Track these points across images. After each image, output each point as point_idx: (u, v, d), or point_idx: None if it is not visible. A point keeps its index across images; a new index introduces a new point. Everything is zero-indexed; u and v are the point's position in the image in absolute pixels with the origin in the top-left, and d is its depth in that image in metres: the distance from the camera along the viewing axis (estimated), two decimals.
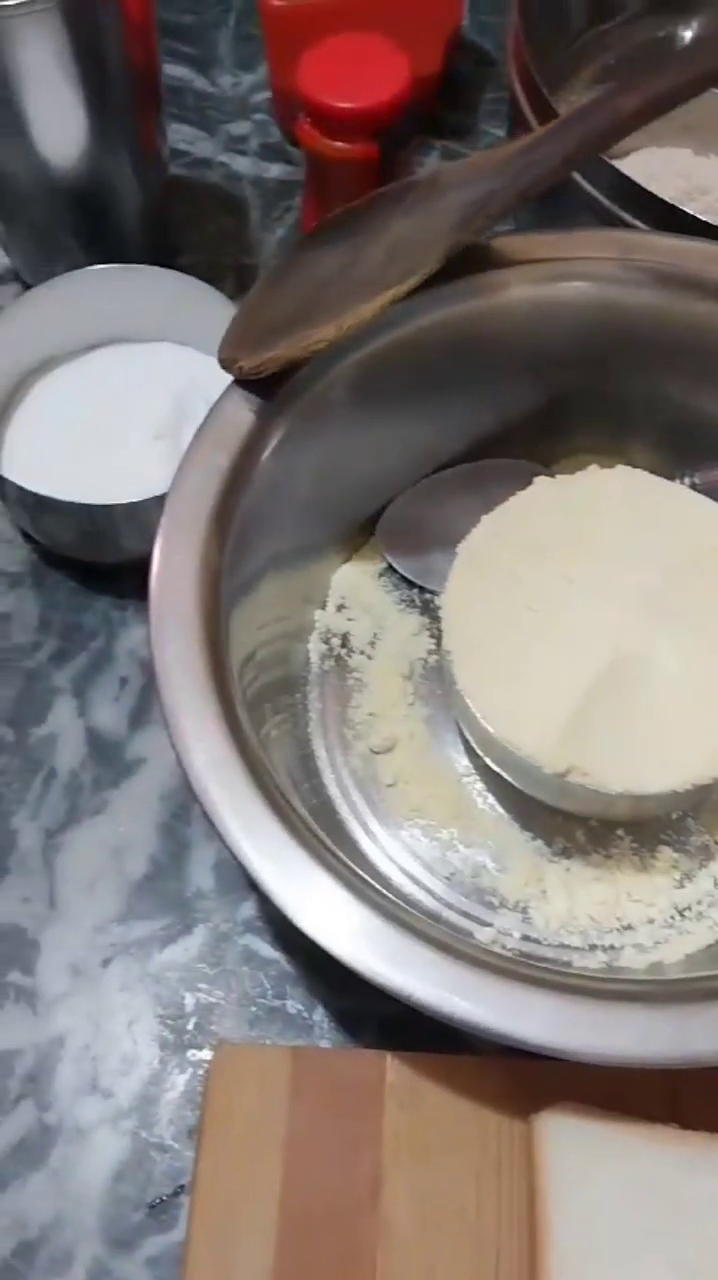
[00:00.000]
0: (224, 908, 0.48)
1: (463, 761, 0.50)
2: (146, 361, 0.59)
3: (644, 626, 0.45)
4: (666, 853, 0.48)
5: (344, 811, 0.49)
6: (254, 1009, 0.47)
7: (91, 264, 0.61)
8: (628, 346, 0.51)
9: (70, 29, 0.49)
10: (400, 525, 0.55)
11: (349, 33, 0.58)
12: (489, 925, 0.46)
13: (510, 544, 0.47)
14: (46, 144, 0.55)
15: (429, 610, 0.54)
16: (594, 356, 0.52)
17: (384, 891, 0.43)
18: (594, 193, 0.55)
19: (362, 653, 0.53)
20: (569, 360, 0.52)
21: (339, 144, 0.58)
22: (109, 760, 0.51)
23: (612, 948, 0.46)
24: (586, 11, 0.70)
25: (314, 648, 0.53)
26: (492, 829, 0.49)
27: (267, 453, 0.46)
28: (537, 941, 0.46)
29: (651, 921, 0.47)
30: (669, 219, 0.52)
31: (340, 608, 0.54)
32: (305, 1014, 0.47)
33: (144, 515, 0.50)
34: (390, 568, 0.55)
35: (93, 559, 0.55)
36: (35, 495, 0.50)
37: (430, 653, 0.53)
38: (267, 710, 0.47)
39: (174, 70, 0.73)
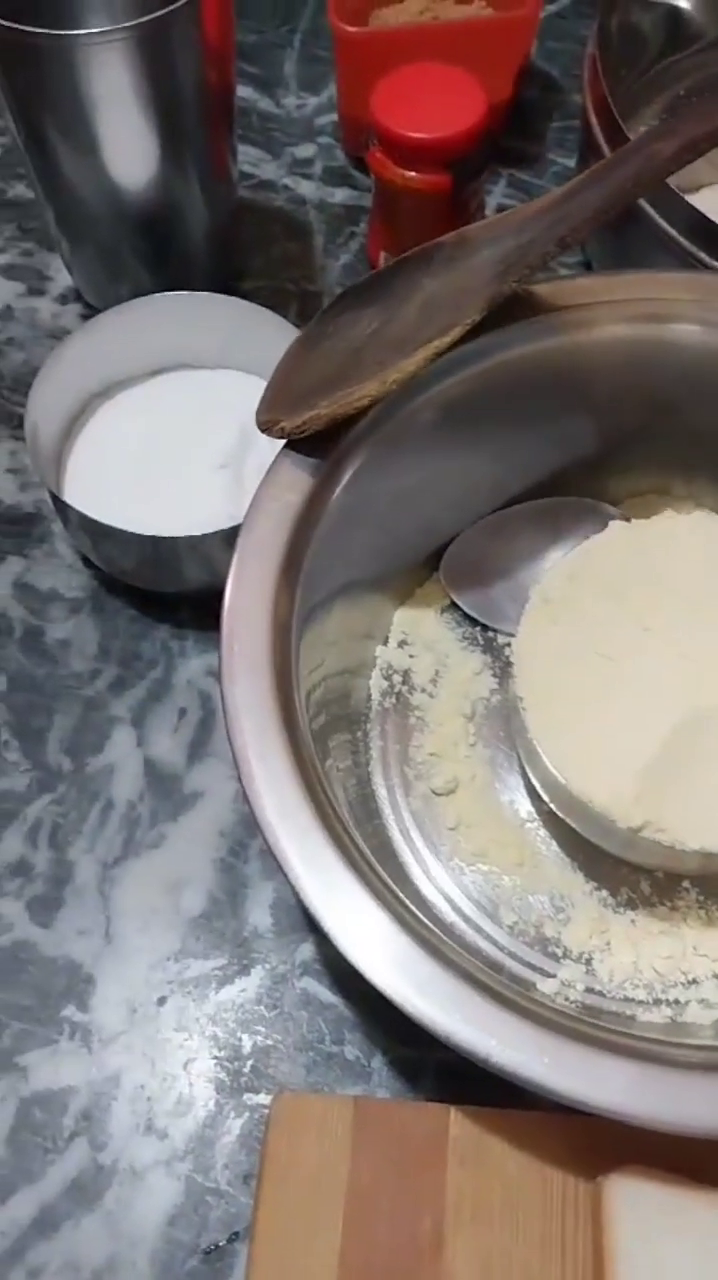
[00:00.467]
0: (282, 949, 0.48)
1: (526, 806, 0.49)
2: (211, 388, 0.58)
3: None
4: None
5: (405, 854, 0.49)
6: (312, 1054, 0.46)
7: (156, 286, 0.60)
8: (702, 390, 0.51)
9: (147, 57, 0.49)
10: (464, 562, 0.54)
11: (423, 61, 0.58)
12: (553, 976, 0.46)
13: (586, 588, 0.46)
14: (117, 167, 0.54)
15: (492, 649, 0.53)
16: (670, 397, 0.51)
17: (449, 941, 0.42)
18: (669, 229, 0.55)
19: (423, 690, 0.52)
20: (644, 400, 0.51)
21: (411, 173, 0.57)
22: (167, 793, 0.51)
23: (677, 1002, 0.45)
24: (660, 42, 0.69)
25: (375, 684, 0.52)
26: (556, 877, 0.48)
27: (338, 490, 0.45)
28: (601, 994, 0.45)
29: (717, 976, 0.46)
30: None
31: (402, 644, 0.53)
32: (364, 1061, 0.46)
33: (207, 548, 0.50)
34: (453, 604, 0.54)
35: (153, 588, 0.54)
36: (98, 523, 0.50)
37: (493, 692, 0.52)
38: (329, 746, 0.47)
39: (239, 90, 0.72)
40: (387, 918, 0.36)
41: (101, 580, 0.56)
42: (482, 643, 0.54)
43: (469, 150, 0.57)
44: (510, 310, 0.47)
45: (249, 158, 0.70)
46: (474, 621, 0.54)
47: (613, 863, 0.47)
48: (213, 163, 0.58)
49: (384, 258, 0.63)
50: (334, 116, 0.71)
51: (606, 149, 0.57)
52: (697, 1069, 0.35)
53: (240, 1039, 0.46)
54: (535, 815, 0.49)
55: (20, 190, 0.69)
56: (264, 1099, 0.45)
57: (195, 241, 0.60)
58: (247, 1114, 0.45)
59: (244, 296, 0.62)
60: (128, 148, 0.53)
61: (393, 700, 0.52)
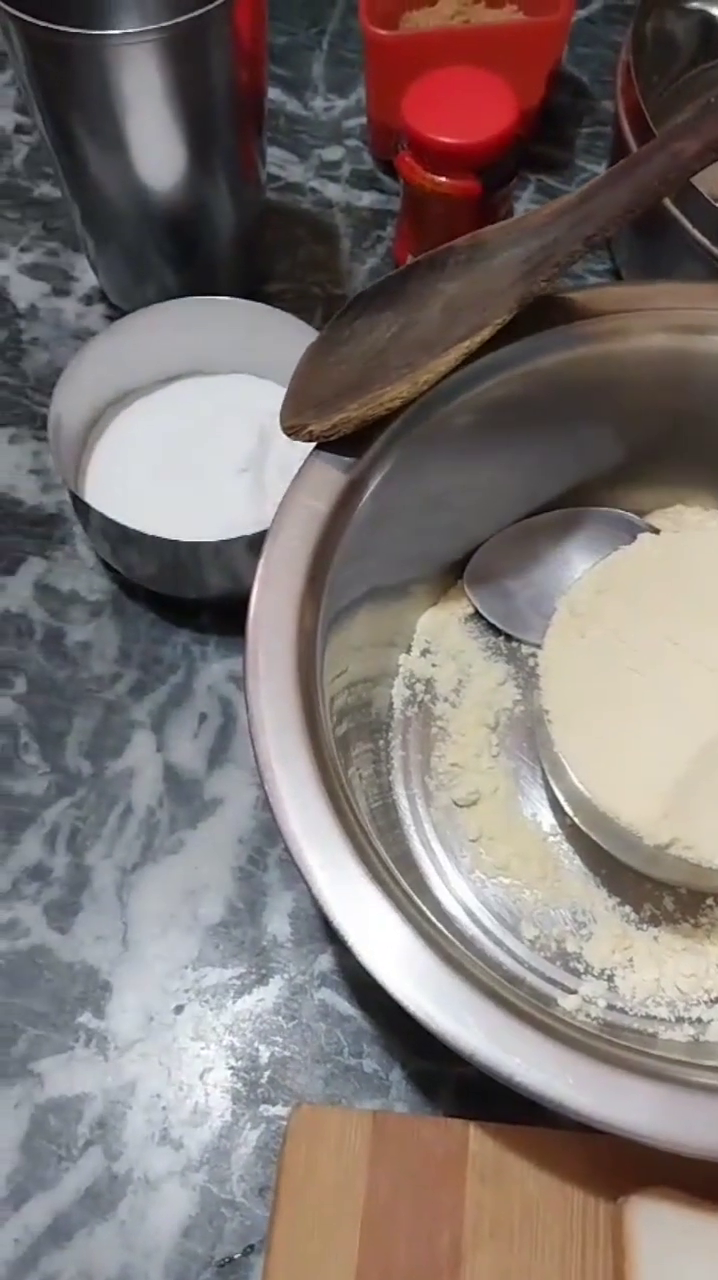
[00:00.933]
0: (300, 959, 0.47)
1: (549, 819, 0.49)
2: (232, 393, 0.58)
3: None
4: None
5: (425, 865, 0.48)
6: (330, 1066, 0.46)
7: (180, 288, 0.60)
8: None
9: (180, 58, 0.49)
10: (489, 571, 0.54)
11: (454, 65, 0.57)
12: (574, 993, 0.45)
13: (614, 602, 0.46)
14: (145, 167, 0.54)
15: (516, 659, 0.53)
16: (701, 408, 0.51)
17: (471, 955, 0.42)
18: (700, 237, 0.54)
19: (446, 700, 0.52)
20: (675, 411, 0.51)
21: (441, 179, 0.57)
22: (187, 799, 0.50)
23: (699, 1021, 0.45)
24: (692, 49, 0.69)
25: (398, 693, 0.52)
26: (578, 892, 0.47)
27: (365, 496, 0.45)
28: (622, 1011, 0.45)
29: None
30: None
31: (425, 652, 0.53)
32: (382, 1074, 0.46)
33: (230, 553, 0.50)
34: (477, 613, 0.54)
35: (174, 593, 0.54)
36: (119, 526, 0.50)
37: (517, 703, 0.52)
38: (351, 755, 0.46)
39: (270, 92, 0.72)
40: (410, 931, 0.36)
41: (122, 583, 0.55)
42: (505, 652, 0.53)
43: (499, 156, 0.56)
44: (544, 317, 0.47)
45: (276, 160, 0.69)
46: (498, 631, 0.54)
47: (636, 878, 0.47)
48: (241, 165, 0.57)
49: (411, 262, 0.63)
50: (362, 119, 0.71)
51: None
52: None
53: (258, 1049, 0.46)
54: (558, 829, 0.49)
55: (46, 189, 0.68)
56: (281, 1111, 0.45)
57: (221, 244, 0.60)
58: (263, 1125, 0.45)
59: (269, 299, 0.62)
60: (156, 148, 0.53)
61: (415, 709, 0.52)
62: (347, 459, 0.45)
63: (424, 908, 0.42)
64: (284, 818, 0.37)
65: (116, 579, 0.56)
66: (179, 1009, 0.47)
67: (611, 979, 0.46)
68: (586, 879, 0.48)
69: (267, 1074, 0.46)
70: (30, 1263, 0.43)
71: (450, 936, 0.42)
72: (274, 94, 0.72)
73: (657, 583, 0.46)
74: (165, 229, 0.58)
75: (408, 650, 0.53)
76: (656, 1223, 0.38)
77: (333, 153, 0.70)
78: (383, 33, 0.62)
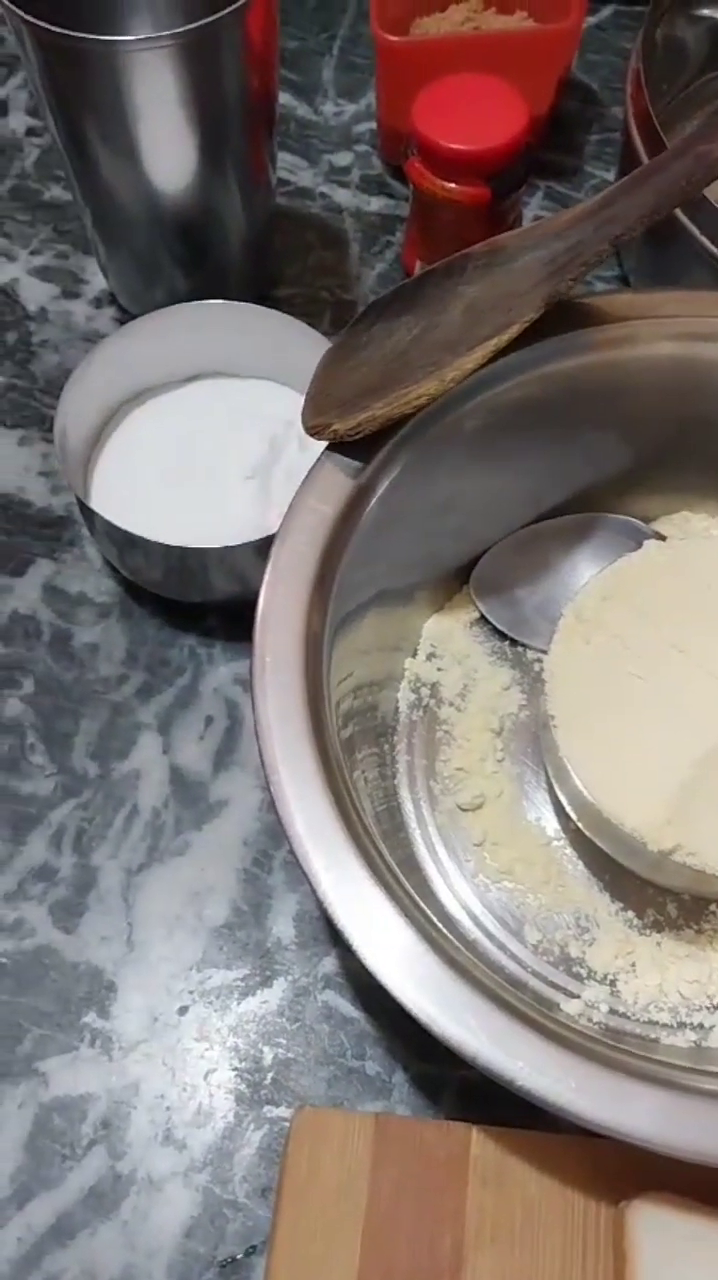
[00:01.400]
0: (304, 961, 0.48)
1: (553, 824, 0.49)
2: (244, 398, 0.58)
3: None
4: None
5: (429, 868, 0.48)
6: (333, 1068, 0.46)
7: (190, 292, 0.60)
8: None
9: (192, 63, 0.49)
10: (495, 576, 0.54)
11: (465, 72, 0.57)
12: (577, 997, 0.45)
13: (619, 608, 0.46)
14: (156, 172, 0.54)
15: (521, 664, 0.53)
16: (709, 416, 0.51)
17: (474, 959, 0.42)
18: (709, 245, 0.54)
19: (451, 704, 0.52)
20: (685, 418, 0.51)
21: (450, 185, 0.57)
22: (192, 801, 0.51)
23: (701, 1026, 0.45)
24: (702, 57, 0.69)
25: (404, 697, 0.52)
26: (582, 897, 0.48)
27: (373, 501, 0.45)
28: (624, 1016, 0.45)
29: None
30: None
31: (431, 656, 0.53)
32: (385, 1076, 0.46)
33: (235, 559, 0.50)
34: (483, 618, 0.54)
35: (179, 597, 0.54)
36: (124, 532, 0.50)
37: (522, 708, 0.52)
38: (356, 758, 0.46)
39: (281, 97, 0.72)
40: (413, 934, 0.36)
41: (130, 585, 0.56)
42: (510, 657, 0.54)
43: (509, 163, 0.56)
44: (553, 324, 0.47)
45: (286, 164, 0.70)
46: (503, 636, 0.54)
47: (640, 884, 0.47)
48: (252, 170, 0.57)
49: (419, 267, 0.63)
50: (372, 124, 0.71)
51: (647, 162, 0.57)
52: None
53: (261, 1051, 0.46)
54: (562, 834, 0.49)
55: (57, 192, 0.68)
56: (284, 1112, 0.45)
57: (231, 248, 0.60)
58: (266, 1126, 0.45)
59: (279, 304, 0.63)
60: (168, 153, 0.53)
61: (421, 713, 0.52)
62: (355, 463, 0.45)
63: (428, 911, 0.43)
64: (289, 820, 0.38)
65: (124, 581, 0.56)
66: (183, 1010, 0.47)
67: (613, 984, 0.46)
68: (589, 884, 0.48)
69: (270, 1075, 0.46)
70: (33, 1261, 0.43)
71: (454, 940, 0.42)
72: (285, 99, 0.72)
73: (662, 590, 0.46)
74: (176, 233, 0.58)
75: (414, 654, 0.53)
76: (657, 1227, 0.38)
77: (343, 158, 0.70)
78: (394, 39, 0.62)
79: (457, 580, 0.55)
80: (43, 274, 0.66)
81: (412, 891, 0.42)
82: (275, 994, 0.47)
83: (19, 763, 0.52)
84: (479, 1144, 0.41)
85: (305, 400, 0.46)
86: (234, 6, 0.48)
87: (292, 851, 0.37)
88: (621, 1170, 0.40)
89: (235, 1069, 0.46)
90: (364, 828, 0.39)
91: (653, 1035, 0.45)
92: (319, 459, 0.45)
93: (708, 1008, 0.45)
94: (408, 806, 0.50)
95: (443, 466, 0.48)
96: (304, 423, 0.45)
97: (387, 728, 0.51)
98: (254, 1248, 0.43)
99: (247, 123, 0.55)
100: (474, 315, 0.45)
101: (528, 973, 0.46)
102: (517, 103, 0.56)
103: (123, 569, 0.54)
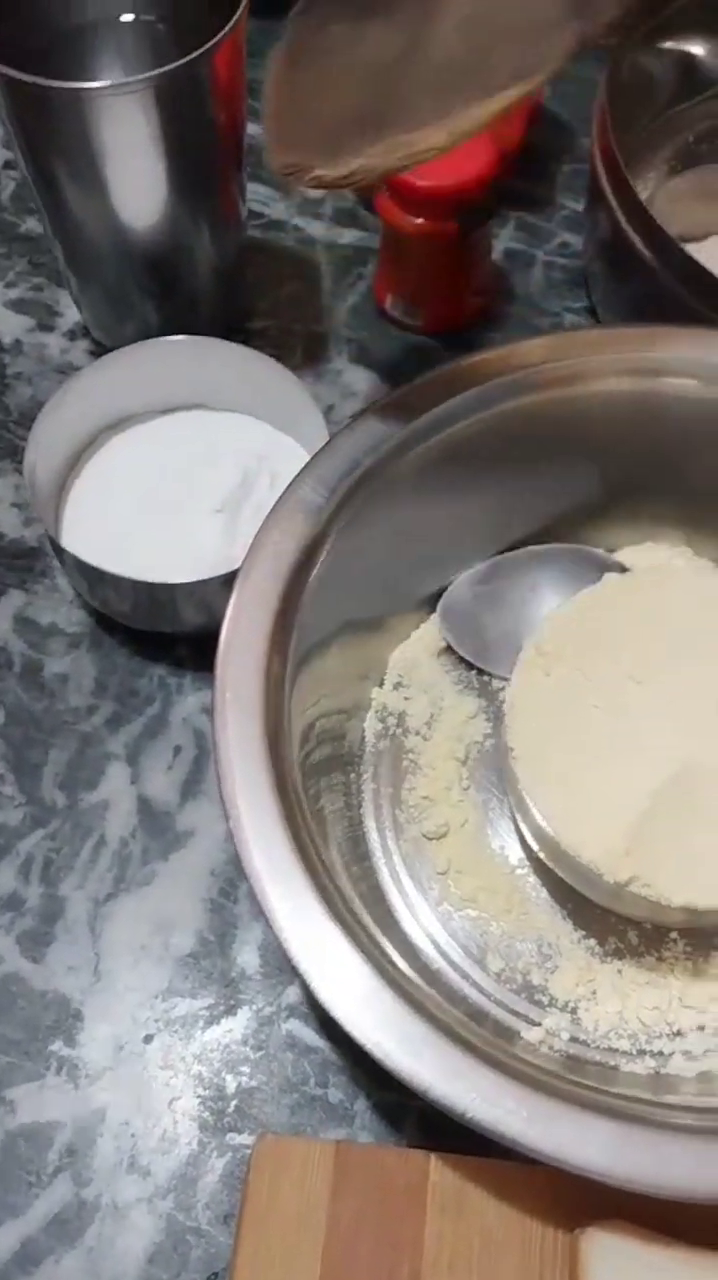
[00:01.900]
0: (269, 990, 0.48)
1: (517, 852, 0.50)
2: (218, 431, 0.59)
3: (712, 733, 0.44)
4: None
5: (394, 897, 0.49)
6: (296, 1095, 0.46)
7: (163, 325, 0.61)
8: (702, 441, 0.51)
9: (160, 106, 0.49)
10: (461, 605, 0.55)
11: None
12: (538, 1025, 0.46)
13: (579, 640, 0.47)
14: (126, 210, 0.55)
15: (487, 693, 0.54)
16: (663, 449, 0.52)
17: (433, 991, 0.42)
18: (672, 282, 0.55)
19: (417, 733, 0.53)
20: (638, 451, 0.52)
21: (419, 220, 0.58)
22: (159, 830, 0.51)
23: (660, 1054, 0.46)
24: (671, 89, 0.70)
25: (370, 726, 0.53)
26: (544, 925, 0.48)
27: (335, 536, 0.46)
28: (585, 1044, 0.46)
29: (701, 1028, 0.46)
30: None
31: (398, 685, 0.54)
32: (347, 1104, 0.46)
33: (203, 592, 0.51)
34: (449, 647, 0.55)
35: (149, 628, 0.55)
36: (93, 568, 0.50)
37: (487, 737, 0.53)
38: (321, 786, 0.47)
39: (252, 128, 0.72)
40: (369, 971, 0.37)
41: (100, 616, 0.56)
42: (477, 686, 0.54)
43: (477, 199, 0.57)
44: (508, 362, 0.48)
45: (259, 196, 0.70)
46: (469, 665, 0.54)
47: (602, 911, 0.48)
48: (222, 205, 0.58)
49: (391, 301, 0.64)
50: None
51: (612, 199, 0.58)
52: (676, 1131, 0.36)
53: (225, 1079, 0.47)
54: (526, 862, 0.50)
55: (32, 225, 0.69)
56: (247, 1139, 0.46)
57: (203, 281, 0.61)
58: (229, 1154, 0.45)
59: (251, 336, 0.63)
60: (137, 191, 0.54)
61: (387, 742, 0.53)
62: (317, 500, 0.46)
63: (389, 942, 0.43)
64: (248, 857, 0.38)
65: (94, 611, 0.56)
66: (149, 1038, 0.48)
67: (574, 1011, 0.46)
68: (552, 911, 0.49)
69: (233, 1103, 0.46)
70: None
71: (414, 974, 0.43)
72: (257, 130, 0.73)
73: (620, 622, 0.47)
74: (147, 267, 0.58)
75: (381, 684, 0.54)
76: (611, 1254, 0.39)
77: (315, 190, 0.71)
78: None
79: (424, 609, 0.55)
80: (18, 306, 0.66)
81: (369, 925, 0.42)
82: (239, 1023, 0.48)
83: None
84: (438, 1171, 0.41)
85: (266, 123, 0.39)
86: (201, 50, 0.49)
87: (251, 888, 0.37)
88: (577, 1198, 0.40)
89: (199, 1096, 0.46)
90: (323, 863, 0.40)
91: (613, 1063, 0.45)
92: (282, 496, 0.46)
93: (667, 1035, 0.46)
94: (373, 836, 0.50)
95: (406, 500, 0.49)
96: (271, 161, 0.38)
97: (353, 756, 0.52)
98: (216, 1274, 0.43)
99: (216, 159, 0.56)
100: (477, 38, 0.37)
101: (491, 1001, 0.47)
102: (484, 139, 0.57)
103: (92, 601, 0.55)
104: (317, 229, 0.69)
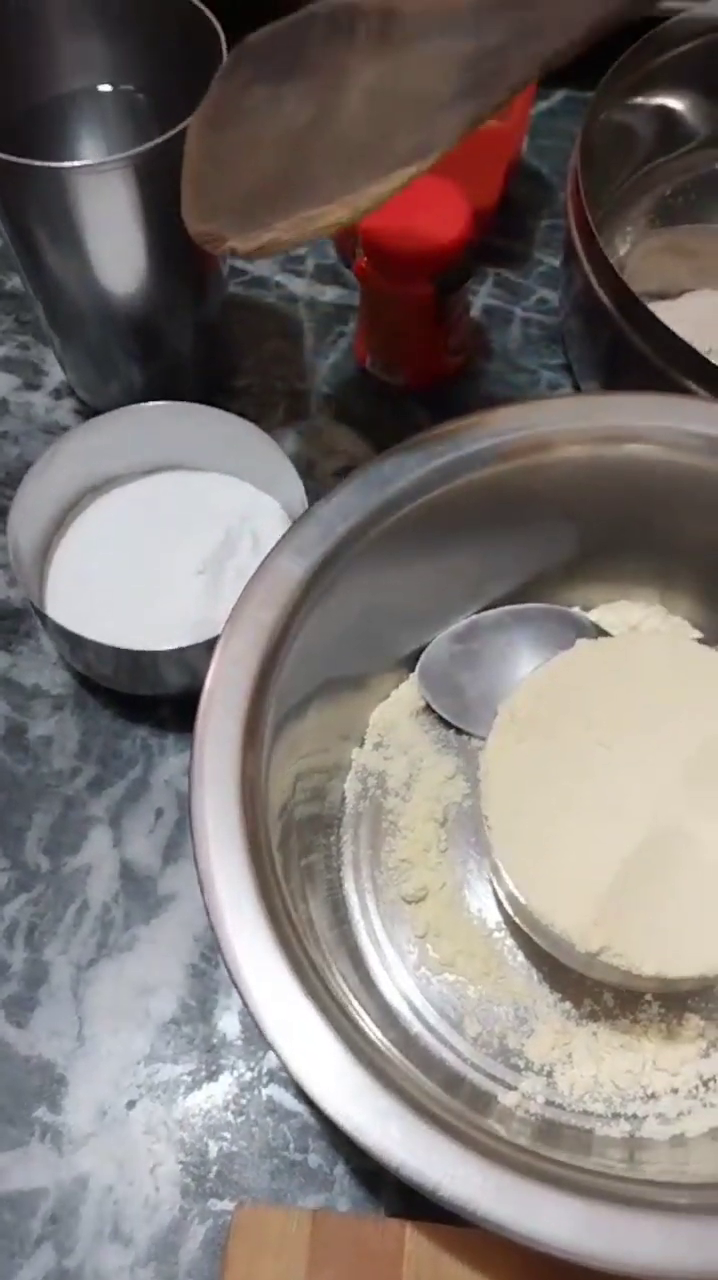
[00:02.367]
0: (249, 1056, 0.49)
1: (494, 916, 0.50)
2: (200, 492, 0.59)
3: (682, 800, 0.45)
4: (693, 1020, 0.47)
5: (372, 961, 0.49)
6: (276, 1161, 0.47)
7: (147, 384, 0.62)
8: (672, 502, 0.52)
9: (140, 181, 0.50)
10: (439, 665, 0.56)
11: None
12: (514, 1089, 0.46)
13: (552, 707, 0.47)
14: (107, 275, 0.55)
15: (465, 752, 0.54)
16: (637, 511, 0.53)
17: (408, 1062, 0.43)
18: (641, 344, 0.56)
19: (397, 794, 0.53)
20: (612, 513, 0.53)
21: (395, 284, 0.59)
22: (141, 894, 0.52)
23: (635, 1117, 0.46)
24: (651, 143, 0.71)
25: (351, 787, 0.53)
26: (520, 988, 0.49)
27: (313, 605, 0.46)
28: (560, 1108, 0.46)
29: (674, 1091, 0.47)
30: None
31: (378, 745, 0.55)
32: (327, 1169, 0.47)
33: (185, 657, 0.51)
34: (428, 707, 0.55)
35: (131, 691, 0.56)
36: (74, 634, 0.51)
37: (466, 797, 0.53)
38: (302, 848, 0.48)
39: None
40: (342, 1049, 0.37)
41: (83, 677, 0.57)
42: (455, 745, 0.55)
43: (453, 263, 0.58)
44: (481, 430, 0.49)
45: None
46: (448, 724, 0.55)
47: (577, 975, 0.48)
48: (202, 267, 0.59)
49: (371, 361, 0.65)
50: None
51: (586, 264, 0.58)
52: (644, 1208, 0.36)
53: (207, 1144, 0.47)
54: (503, 925, 0.50)
55: (18, 283, 0.70)
56: (228, 1205, 0.46)
57: (186, 342, 0.62)
58: (210, 1220, 0.46)
59: (235, 394, 0.64)
60: (118, 259, 0.55)
61: (367, 803, 0.53)
62: (296, 570, 0.46)
63: (364, 1010, 0.44)
64: (223, 935, 0.39)
65: (78, 672, 0.57)
66: (131, 1104, 0.48)
67: (550, 1075, 0.47)
68: (528, 974, 0.49)
69: (214, 1169, 0.47)
70: None
71: (389, 1041, 0.43)
72: None
73: (593, 688, 0.48)
74: (129, 330, 0.59)
75: (361, 744, 0.55)
76: None
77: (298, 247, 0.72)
78: None
79: (404, 668, 0.56)
80: (4, 365, 0.67)
81: (347, 992, 0.43)
82: (221, 1088, 0.48)
83: None
84: (413, 1241, 0.42)
85: (184, 183, 0.41)
86: (179, 128, 0.49)
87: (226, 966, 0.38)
88: (549, 1268, 0.40)
89: (181, 1163, 0.47)
90: (298, 936, 0.40)
91: (588, 1126, 0.46)
92: (260, 566, 0.46)
93: (642, 1098, 0.46)
94: (353, 898, 0.51)
95: (383, 565, 0.49)
96: (189, 225, 0.40)
97: (334, 818, 0.53)
98: None
99: None
100: (380, 111, 0.40)
101: (467, 1065, 0.47)
102: (460, 204, 0.58)
103: (75, 664, 0.56)
104: (298, 286, 0.70)
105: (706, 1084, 0.47)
